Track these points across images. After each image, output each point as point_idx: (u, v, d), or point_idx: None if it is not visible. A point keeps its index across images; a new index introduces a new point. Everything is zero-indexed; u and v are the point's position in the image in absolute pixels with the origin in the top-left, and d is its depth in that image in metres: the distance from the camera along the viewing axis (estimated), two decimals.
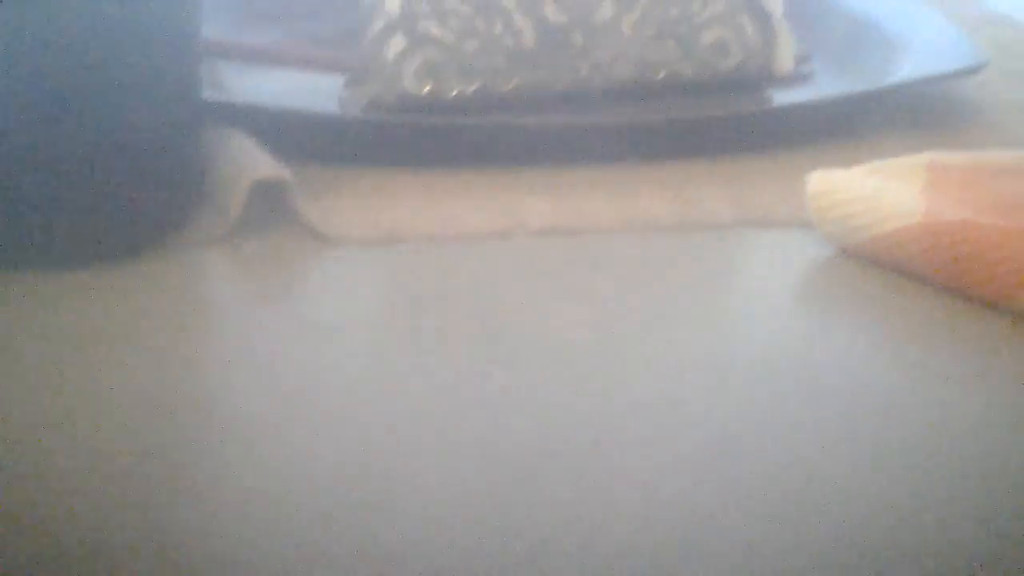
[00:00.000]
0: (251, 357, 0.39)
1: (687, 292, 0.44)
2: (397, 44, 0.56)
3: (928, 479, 0.34)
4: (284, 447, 0.34)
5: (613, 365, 0.39)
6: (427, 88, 0.56)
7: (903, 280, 0.45)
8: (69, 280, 0.43)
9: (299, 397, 0.37)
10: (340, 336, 0.40)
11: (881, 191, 0.45)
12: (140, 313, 0.41)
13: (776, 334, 0.41)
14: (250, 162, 0.47)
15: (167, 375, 0.38)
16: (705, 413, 0.36)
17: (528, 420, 0.36)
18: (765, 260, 0.47)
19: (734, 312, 0.43)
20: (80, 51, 0.42)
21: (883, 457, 0.35)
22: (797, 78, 0.63)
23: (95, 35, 0.42)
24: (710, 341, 0.40)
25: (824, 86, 0.63)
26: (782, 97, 0.61)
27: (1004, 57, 0.69)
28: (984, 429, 0.36)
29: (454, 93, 0.57)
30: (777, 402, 0.37)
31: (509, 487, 0.33)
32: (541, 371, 0.38)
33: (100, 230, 0.44)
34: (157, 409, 0.36)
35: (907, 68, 0.60)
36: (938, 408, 0.37)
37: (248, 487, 0.33)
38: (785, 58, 0.61)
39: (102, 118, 0.43)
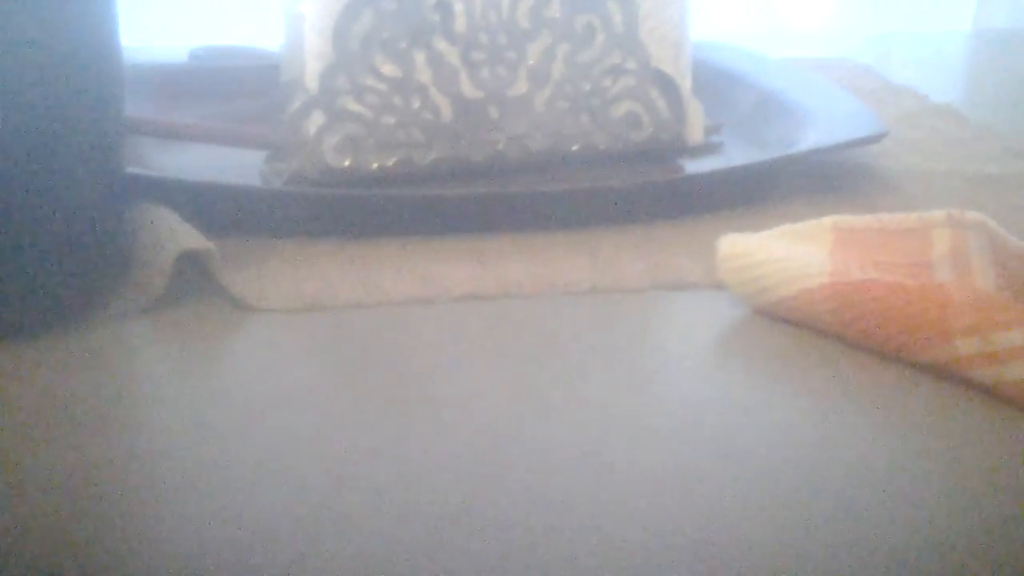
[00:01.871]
0: (174, 426, 0.39)
1: (606, 353, 0.45)
2: (317, 120, 0.57)
3: (842, 525, 0.35)
4: (207, 513, 0.35)
5: (535, 425, 0.40)
6: (347, 162, 0.57)
7: (813, 337, 0.46)
8: None
9: (223, 464, 0.37)
10: (264, 403, 0.41)
11: (789, 253, 0.47)
12: (63, 384, 0.41)
13: (692, 391, 0.42)
14: (175, 234, 0.48)
15: (88, 446, 0.38)
16: (626, 469, 0.37)
17: (451, 480, 0.36)
18: (680, 321, 0.49)
19: (652, 371, 0.44)
20: (2, 127, 0.42)
21: (798, 505, 0.36)
22: (707, 148, 0.65)
23: (18, 110, 0.42)
24: (629, 399, 0.41)
25: (733, 155, 0.65)
26: (693, 166, 0.63)
27: (905, 127, 0.72)
28: (894, 475, 0.37)
29: (374, 166, 0.58)
30: (694, 456, 0.38)
31: (432, 547, 0.33)
32: (463, 432, 0.39)
33: (23, 303, 0.44)
34: (78, 480, 0.36)
35: (812, 137, 0.63)
36: (848, 456, 0.38)
37: (169, 553, 0.33)
38: (695, 129, 0.63)
39: (25, 192, 0.43)
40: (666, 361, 0.45)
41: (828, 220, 0.48)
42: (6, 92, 0.42)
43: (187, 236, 0.48)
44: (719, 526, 0.35)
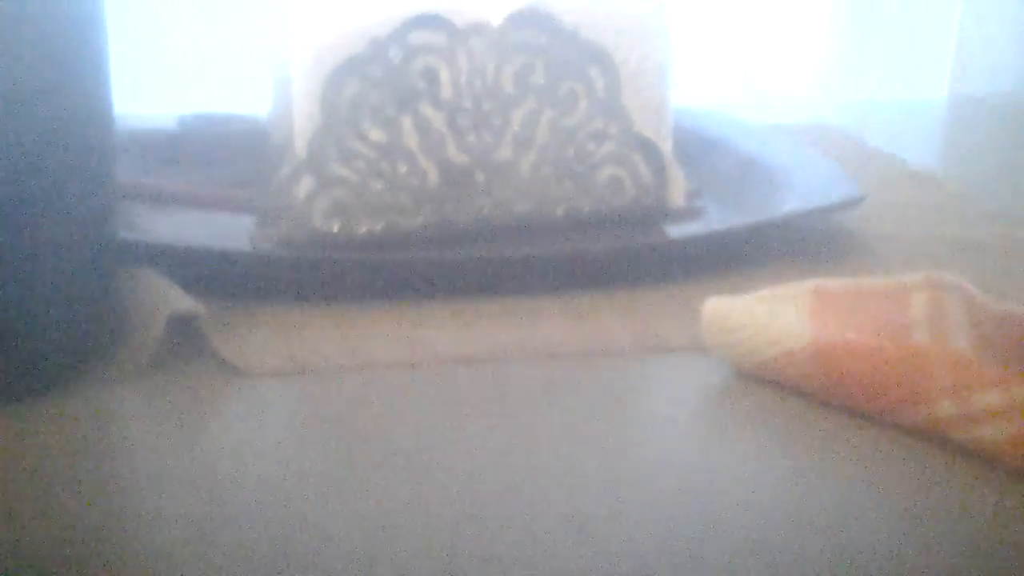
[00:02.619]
0: (163, 490, 0.39)
1: (591, 416, 0.45)
2: (306, 185, 0.58)
3: None
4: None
5: (519, 487, 0.40)
6: (336, 226, 0.58)
7: (795, 398, 0.47)
8: None
9: (213, 526, 0.37)
10: (253, 467, 0.41)
11: (771, 316, 0.48)
12: (53, 448, 0.42)
13: (677, 453, 0.43)
14: (165, 298, 0.49)
15: (76, 510, 0.38)
16: (611, 532, 0.38)
17: (438, 544, 0.37)
18: (664, 384, 0.49)
19: (636, 434, 0.44)
20: None
21: (782, 568, 0.36)
22: (689, 212, 0.65)
23: (10, 176, 0.43)
24: (613, 461, 0.42)
25: (714, 220, 0.66)
26: (675, 230, 0.64)
27: (882, 191, 0.73)
28: (877, 536, 0.38)
29: (362, 230, 0.58)
30: (678, 518, 0.39)
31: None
32: (450, 494, 0.40)
33: (13, 368, 0.45)
34: (71, 542, 0.36)
35: (792, 202, 0.64)
36: (831, 517, 0.39)
37: None
38: (676, 193, 0.64)
39: (15, 258, 0.43)
40: (651, 423, 0.45)
41: (808, 283, 0.49)
42: None
43: (177, 299, 0.49)
44: None
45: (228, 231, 0.60)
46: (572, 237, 0.62)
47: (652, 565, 0.36)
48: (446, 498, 0.39)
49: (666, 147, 0.64)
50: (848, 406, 0.46)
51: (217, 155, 0.70)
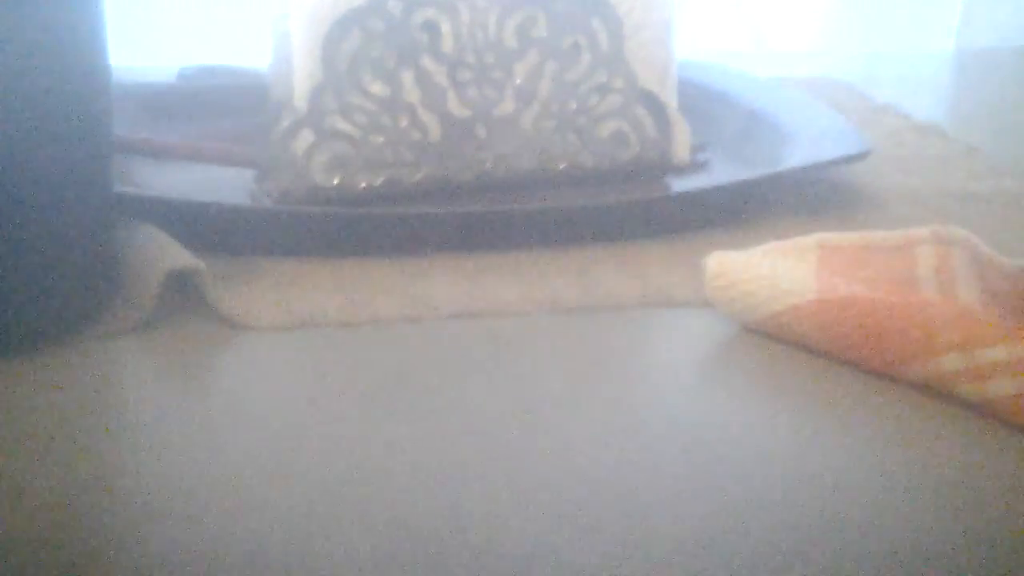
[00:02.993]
0: (167, 444, 0.39)
1: (595, 370, 0.45)
2: (306, 139, 0.57)
3: (831, 540, 0.35)
4: (198, 532, 0.35)
5: (524, 440, 0.40)
6: (336, 181, 0.58)
7: (800, 353, 0.46)
8: None
9: (213, 482, 0.37)
10: (255, 419, 0.41)
11: (776, 271, 0.47)
12: (54, 403, 0.41)
13: (682, 407, 0.43)
14: (164, 253, 0.48)
15: (77, 464, 0.38)
16: (616, 485, 0.37)
17: (443, 494, 0.37)
18: (668, 338, 0.49)
19: (641, 388, 0.44)
20: None
21: (787, 522, 0.36)
22: (693, 167, 0.65)
23: (5, 130, 0.42)
24: (619, 415, 0.42)
25: (719, 174, 0.65)
26: (680, 185, 0.63)
27: (889, 145, 0.73)
28: (881, 489, 0.38)
29: (362, 185, 0.58)
30: (684, 472, 0.38)
31: (426, 560, 0.34)
32: (454, 446, 0.39)
33: (12, 322, 0.44)
34: (70, 499, 0.36)
35: (798, 156, 0.63)
36: (835, 471, 0.39)
37: (160, 574, 0.33)
38: (681, 148, 0.64)
39: (14, 212, 0.43)
40: (655, 378, 0.45)
41: (814, 237, 0.49)
42: None
43: (176, 255, 0.48)
44: (708, 543, 0.35)
45: (227, 185, 0.59)
46: (575, 191, 0.61)
47: (657, 520, 0.36)
48: (449, 452, 0.39)
49: (670, 101, 0.63)
50: (854, 360, 0.45)
51: (217, 108, 0.70)
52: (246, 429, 0.40)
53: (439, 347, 0.47)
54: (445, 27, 0.59)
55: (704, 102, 0.72)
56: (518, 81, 0.60)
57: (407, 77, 0.58)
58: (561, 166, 0.61)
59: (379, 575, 0.33)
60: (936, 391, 0.43)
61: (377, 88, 0.58)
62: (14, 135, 0.42)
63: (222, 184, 0.60)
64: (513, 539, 0.35)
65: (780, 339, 0.47)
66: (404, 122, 0.58)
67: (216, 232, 0.53)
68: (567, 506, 0.36)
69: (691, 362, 0.46)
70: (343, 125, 0.57)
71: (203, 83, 0.74)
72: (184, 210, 0.53)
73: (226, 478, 0.37)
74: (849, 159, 0.61)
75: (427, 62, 0.59)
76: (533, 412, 0.42)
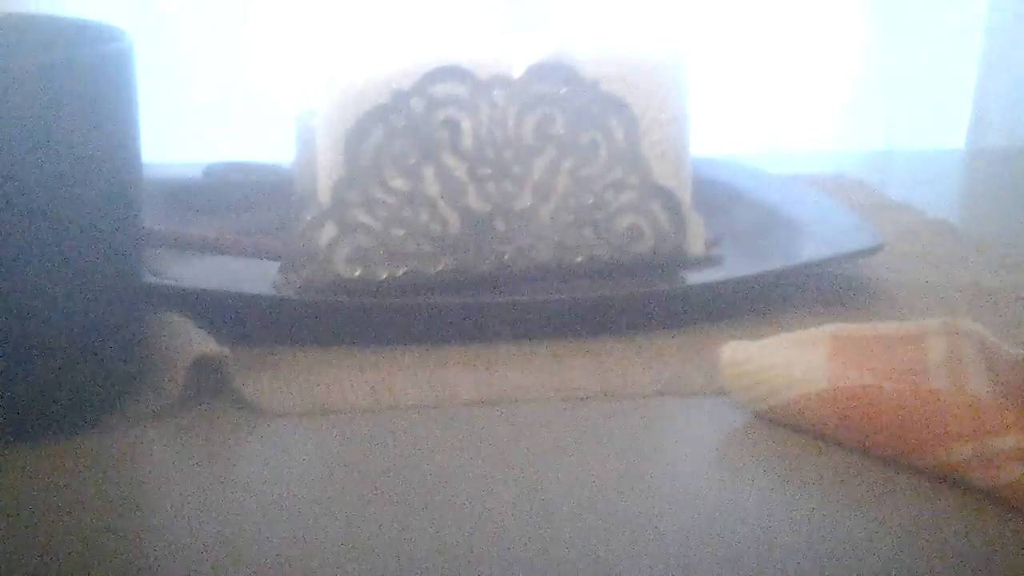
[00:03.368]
0: (191, 528, 0.40)
1: (610, 457, 0.46)
2: (329, 232, 0.58)
3: None
4: None
5: (540, 526, 0.40)
6: (358, 272, 0.59)
7: (813, 441, 0.47)
8: (9, 457, 0.44)
9: (237, 567, 0.38)
10: (277, 505, 0.42)
11: (789, 360, 0.48)
12: (79, 487, 0.42)
13: (696, 495, 0.43)
14: (190, 341, 0.49)
15: (106, 549, 0.38)
16: (628, 572, 0.38)
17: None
18: (684, 427, 0.50)
19: (656, 475, 0.45)
20: (26, 235, 0.43)
21: None
22: (707, 260, 0.66)
23: (42, 220, 0.43)
24: (634, 504, 0.42)
25: (733, 268, 0.66)
26: (694, 278, 0.64)
27: (901, 241, 0.73)
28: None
29: (384, 276, 0.59)
30: (696, 559, 0.39)
31: None
32: (472, 534, 0.40)
33: (41, 407, 0.45)
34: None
35: (811, 250, 0.64)
36: (850, 560, 0.39)
37: None
38: (696, 242, 0.65)
39: (45, 300, 0.44)
40: (669, 466, 0.46)
41: (827, 328, 0.50)
42: (31, 203, 0.43)
43: (202, 342, 0.49)
44: None
45: (252, 276, 0.61)
46: (592, 283, 0.62)
47: None
48: (467, 539, 0.40)
49: (685, 196, 0.65)
50: (866, 448, 0.46)
51: (242, 203, 0.71)
52: (268, 516, 0.41)
53: (459, 434, 0.47)
54: (465, 124, 0.60)
55: (718, 198, 0.73)
56: (536, 177, 0.62)
57: (428, 172, 0.60)
58: (578, 259, 0.62)
59: None
60: (949, 480, 0.44)
61: (399, 183, 0.59)
62: (48, 222, 0.44)
63: (247, 275, 0.61)
64: None
65: (793, 427, 0.48)
66: (425, 216, 0.60)
67: (241, 321, 0.54)
68: None
69: (705, 449, 0.47)
70: (365, 218, 0.59)
71: (229, 178, 0.76)
72: (210, 300, 0.54)
73: (248, 564, 0.38)
74: (862, 254, 0.62)
75: (447, 158, 0.60)
76: (548, 497, 0.42)
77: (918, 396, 0.45)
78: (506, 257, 0.61)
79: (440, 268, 0.60)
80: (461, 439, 0.47)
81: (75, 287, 0.45)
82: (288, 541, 0.39)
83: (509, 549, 0.39)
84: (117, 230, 0.47)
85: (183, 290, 0.55)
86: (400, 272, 0.59)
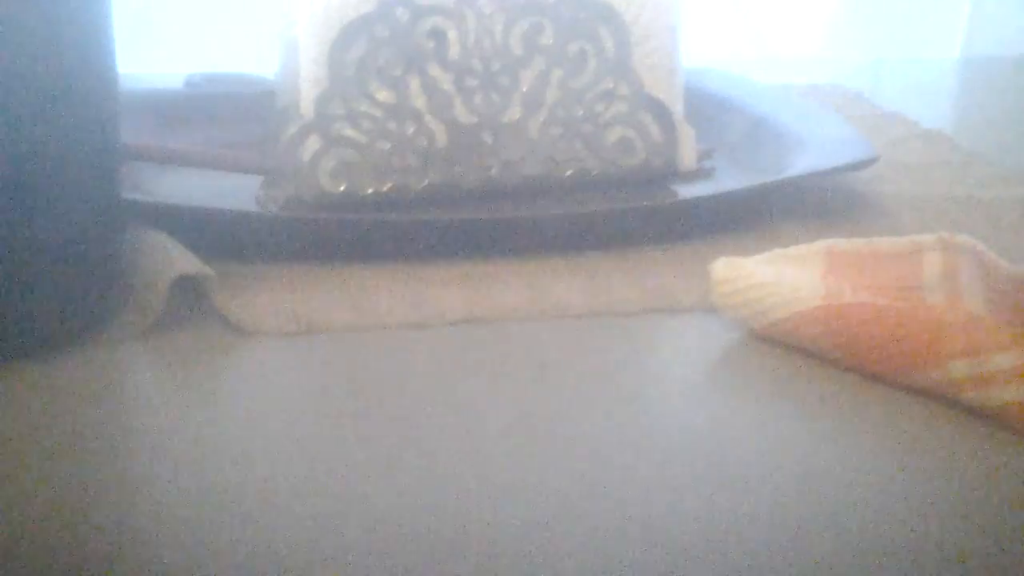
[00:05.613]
0: (173, 449, 0.39)
1: (600, 376, 0.45)
2: (313, 145, 0.57)
3: (837, 547, 0.35)
4: (205, 538, 0.35)
5: (530, 447, 0.40)
6: (342, 187, 0.58)
7: (806, 359, 0.46)
8: None
9: (221, 486, 0.37)
10: (262, 424, 0.41)
11: (782, 277, 0.47)
12: (61, 408, 0.42)
13: (687, 414, 0.43)
14: (171, 259, 0.48)
15: (82, 470, 0.38)
16: (621, 492, 0.37)
17: (446, 505, 0.37)
18: (674, 344, 0.49)
19: (646, 394, 0.44)
20: None
21: (793, 528, 0.36)
22: (699, 173, 0.65)
23: (14, 136, 0.42)
24: (624, 422, 0.42)
25: (725, 181, 0.65)
26: (685, 191, 0.63)
27: (895, 152, 0.73)
28: (888, 496, 0.38)
29: (369, 191, 0.58)
30: (690, 479, 0.38)
31: (429, 567, 0.34)
32: (459, 453, 0.39)
33: (19, 327, 0.45)
34: (76, 505, 0.36)
35: (804, 162, 0.63)
36: (842, 476, 0.39)
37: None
38: (687, 155, 0.64)
39: (20, 218, 0.43)
40: (661, 384, 0.45)
41: (820, 244, 0.49)
42: (3, 119, 0.42)
43: (184, 260, 0.48)
44: (714, 549, 0.35)
45: (235, 192, 0.60)
46: (581, 197, 0.61)
47: (660, 526, 0.36)
48: (453, 459, 0.39)
49: (677, 108, 0.63)
50: (860, 367, 0.45)
51: (224, 115, 0.70)
52: (252, 435, 0.40)
53: (444, 353, 0.47)
54: (452, 34, 0.59)
55: (710, 109, 0.72)
56: (524, 88, 0.60)
57: (414, 84, 0.58)
58: (567, 173, 0.61)
59: (383, 573, 0.33)
60: (943, 398, 0.43)
61: (384, 95, 0.58)
62: (21, 140, 0.43)
63: (229, 190, 0.60)
64: (516, 547, 0.35)
65: (786, 345, 0.47)
66: (410, 129, 0.59)
67: (223, 238, 0.53)
68: (571, 512, 0.36)
69: (697, 367, 0.46)
70: (350, 132, 0.58)
71: (210, 90, 0.74)
72: (191, 216, 0.53)
73: (231, 483, 0.37)
74: (855, 166, 0.61)
75: (433, 69, 0.59)
76: (538, 418, 0.42)
77: (913, 313, 0.44)
78: (494, 171, 0.60)
79: (426, 183, 0.59)
80: (447, 359, 0.46)
81: (51, 203, 0.44)
82: (271, 462, 0.38)
83: (495, 470, 0.38)
84: (93, 143, 0.46)
85: (164, 207, 0.54)
86: (385, 187, 0.58)
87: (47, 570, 0.33)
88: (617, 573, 0.34)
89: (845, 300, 0.45)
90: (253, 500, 0.36)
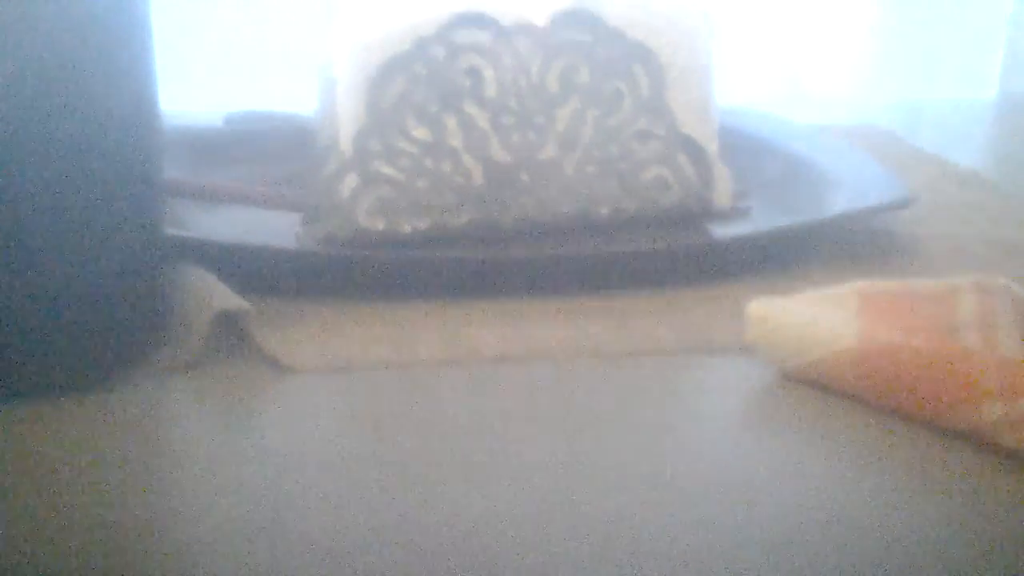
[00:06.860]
0: (208, 485, 0.40)
1: (635, 416, 0.45)
2: (351, 183, 0.58)
3: None
4: (246, 571, 0.35)
5: (562, 485, 0.40)
6: (381, 224, 0.58)
7: (840, 401, 0.46)
8: (32, 412, 0.44)
9: (262, 523, 0.38)
10: (297, 463, 0.41)
11: (817, 317, 0.47)
12: (100, 442, 0.42)
13: (721, 454, 0.43)
14: (212, 295, 0.49)
15: (123, 504, 0.38)
16: (656, 531, 0.38)
17: (482, 543, 0.37)
18: (708, 384, 0.49)
19: (681, 434, 0.44)
20: (44, 187, 0.43)
21: (823, 570, 0.36)
22: (735, 213, 0.65)
23: (59, 173, 0.43)
24: (658, 461, 0.42)
25: (760, 221, 0.65)
26: (720, 231, 0.64)
27: (930, 193, 0.73)
28: (923, 541, 0.38)
29: (407, 229, 0.59)
30: (724, 520, 0.38)
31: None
32: (494, 494, 0.40)
33: (61, 362, 0.45)
34: (119, 538, 0.37)
35: (839, 203, 0.63)
36: (876, 520, 0.39)
37: None
38: (723, 194, 0.64)
39: (64, 254, 0.44)
40: (696, 424, 0.45)
41: (855, 285, 0.49)
42: (49, 156, 0.43)
43: (224, 296, 0.49)
44: None
45: (274, 229, 0.60)
46: (617, 237, 0.62)
47: (693, 565, 0.36)
48: (491, 496, 0.39)
49: (711, 147, 0.64)
50: (894, 408, 0.45)
51: (263, 153, 0.71)
52: (287, 471, 0.41)
53: (480, 391, 0.47)
54: (488, 73, 0.59)
55: (745, 149, 0.72)
56: (560, 127, 0.61)
57: (450, 122, 0.59)
58: (603, 211, 0.62)
59: None
60: (979, 440, 0.43)
61: (421, 133, 0.59)
62: (66, 177, 0.43)
63: (269, 227, 0.60)
64: None
65: (820, 386, 0.47)
66: (447, 166, 0.59)
67: (262, 275, 0.54)
68: (605, 551, 0.36)
69: (731, 409, 0.46)
70: (387, 169, 0.58)
71: (249, 128, 0.75)
72: (232, 252, 0.54)
73: (269, 517, 0.38)
74: (891, 207, 0.62)
75: (470, 107, 0.59)
76: (572, 456, 0.42)
77: (948, 355, 0.44)
78: (530, 209, 0.61)
79: (463, 220, 0.60)
80: (483, 396, 0.47)
81: (93, 239, 0.45)
82: (310, 498, 0.39)
83: (531, 507, 0.39)
84: (135, 180, 0.46)
85: (204, 243, 0.54)
86: (423, 224, 0.59)
87: None
88: None
89: (879, 341, 0.45)
90: (286, 537, 0.37)
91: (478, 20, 0.59)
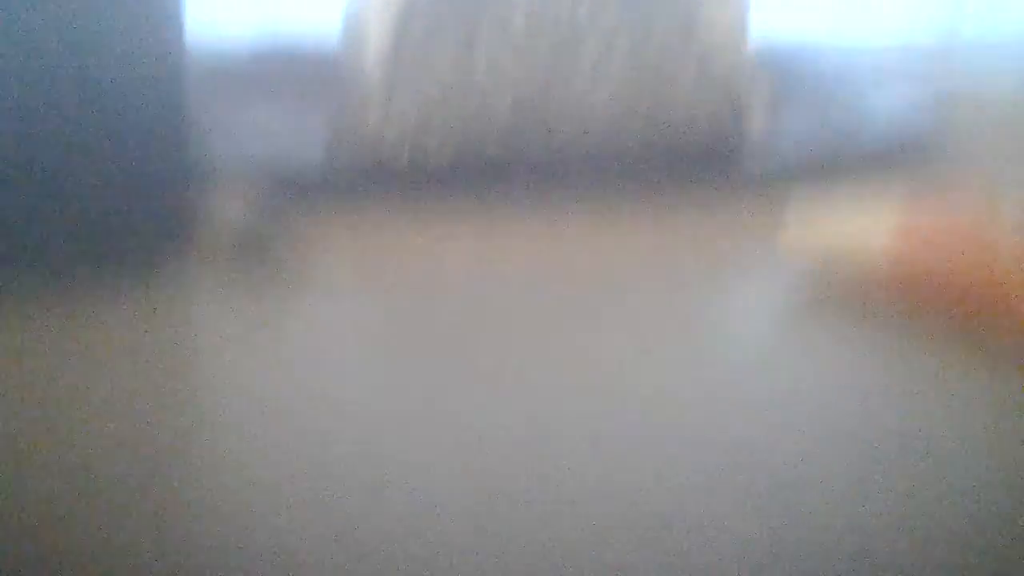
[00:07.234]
0: (232, 383, 0.40)
1: (671, 331, 0.45)
2: (377, 111, 0.58)
3: (896, 495, 0.35)
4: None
5: (598, 399, 0.40)
6: (406, 153, 0.58)
7: (875, 315, 0.46)
8: (64, 306, 0.45)
9: (286, 423, 0.38)
10: (326, 371, 0.42)
11: (855, 232, 0.47)
12: (130, 338, 0.43)
13: (754, 365, 0.43)
14: (241, 212, 0.49)
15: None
16: (685, 437, 0.37)
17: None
18: (749, 296, 0.49)
19: (713, 347, 0.44)
20: (80, 111, 0.45)
21: (852, 482, 0.35)
22: (766, 149, 0.65)
23: (95, 94, 0.44)
24: (692, 374, 0.42)
25: (793, 156, 0.65)
26: (752, 161, 0.63)
27: (968, 128, 0.71)
28: (948, 456, 0.37)
29: (432, 159, 0.58)
30: (753, 431, 0.38)
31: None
32: (530, 409, 0.39)
33: (96, 270, 0.47)
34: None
35: (873, 138, 0.63)
36: (903, 433, 0.38)
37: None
38: (755, 125, 0.63)
39: (103, 167, 0.46)
40: (730, 340, 0.45)
41: (892, 195, 0.49)
42: (87, 81, 0.45)
43: (252, 214, 0.49)
44: (790, 476, 0.34)
45: (302, 152, 0.60)
46: (647, 168, 0.61)
47: (724, 469, 0.35)
48: (522, 410, 0.39)
49: (744, 83, 0.63)
50: (929, 309, 0.45)
51: (291, 79, 0.71)
52: (316, 381, 0.41)
53: (508, 307, 0.47)
54: (518, 3, 0.59)
55: (778, 86, 0.71)
56: (589, 61, 0.60)
57: (478, 54, 0.59)
58: (632, 142, 0.61)
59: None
60: (1014, 354, 0.43)
61: (447, 61, 0.58)
62: (102, 100, 0.46)
63: (297, 151, 0.61)
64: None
65: (856, 300, 0.47)
66: (474, 97, 0.59)
67: (290, 195, 0.54)
68: (644, 454, 0.36)
69: (771, 320, 0.46)
70: (414, 100, 0.58)
71: (277, 55, 0.75)
72: (260, 170, 0.54)
73: (294, 421, 0.38)
74: (925, 142, 0.61)
75: (497, 40, 0.59)
76: (603, 375, 0.42)
77: (988, 248, 0.44)
78: (558, 140, 0.60)
79: (488, 150, 0.59)
80: (511, 313, 0.47)
81: (129, 156, 0.47)
82: (336, 404, 0.39)
83: (566, 417, 0.38)
84: (166, 104, 0.47)
85: (233, 159, 0.55)
86: (448, 154, 0.59)
87: (117, 478, 0.34)
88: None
89: (916, 250, 0.45)
90: (307, 433, 0.37)
91: None
